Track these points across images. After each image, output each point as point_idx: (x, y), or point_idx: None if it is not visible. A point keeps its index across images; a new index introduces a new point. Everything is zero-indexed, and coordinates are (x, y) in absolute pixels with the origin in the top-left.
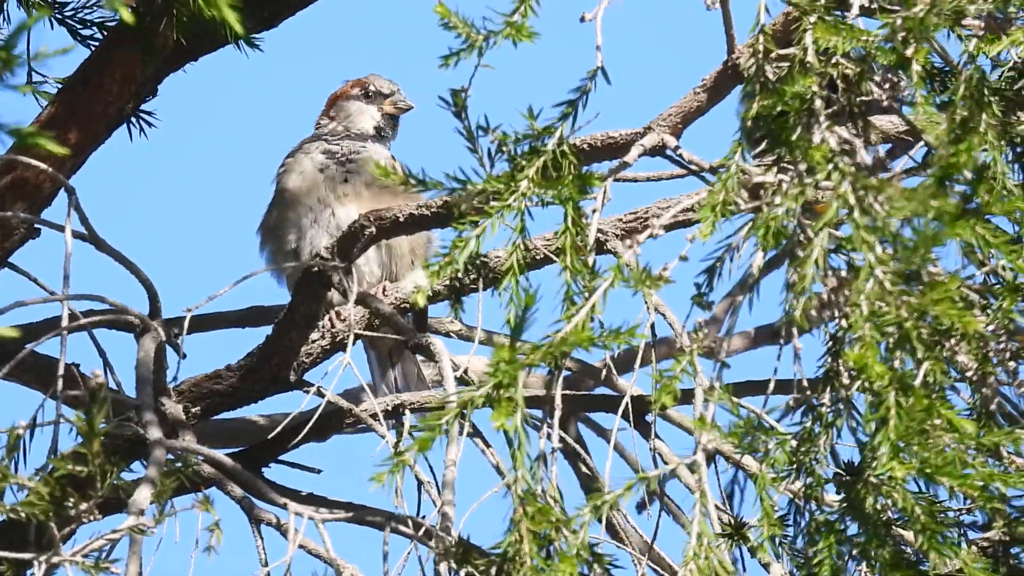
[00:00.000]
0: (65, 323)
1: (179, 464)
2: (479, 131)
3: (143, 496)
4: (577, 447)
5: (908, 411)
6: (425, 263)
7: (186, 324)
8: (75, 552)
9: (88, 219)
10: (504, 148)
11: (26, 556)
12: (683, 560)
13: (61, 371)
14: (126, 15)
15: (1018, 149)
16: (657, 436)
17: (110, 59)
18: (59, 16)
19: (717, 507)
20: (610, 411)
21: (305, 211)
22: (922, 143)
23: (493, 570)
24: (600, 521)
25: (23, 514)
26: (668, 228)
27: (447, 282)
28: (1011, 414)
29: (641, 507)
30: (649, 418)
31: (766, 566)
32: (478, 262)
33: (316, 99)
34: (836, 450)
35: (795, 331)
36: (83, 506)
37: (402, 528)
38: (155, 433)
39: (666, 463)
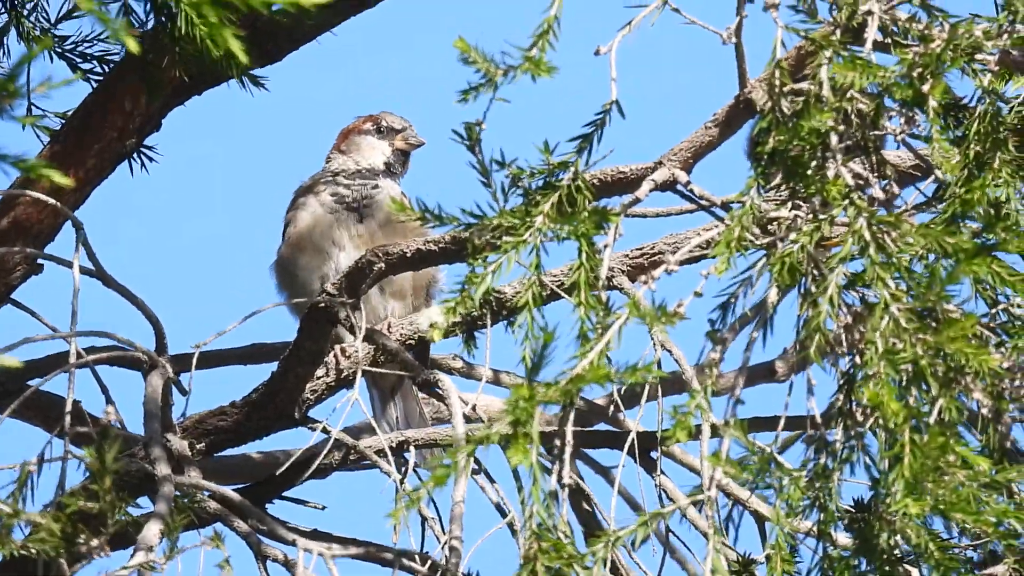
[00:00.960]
0: (73, 360)
1: (186, 500)
2: (493, 165)
3: (152, 532)
4: (581, 483)
5: (923, 448)
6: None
7: (194, 361)
8: None
9: (95, 254)
10: (519, 183)
11: None
12: None
13: (69, 408)
14: (132, 45)
15: None
16: (662, 472)
17: (114, 94)
18: (59, 50)
19: (726, 544)
20: (613, 447)
21: (318, 254)
22: (931, 178)
23: None
24: (605, 565)
25: (34, 550)
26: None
27: (458, 319)
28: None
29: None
30: (654, 455)
31: None
32: (491, 298)
33: (321, 131)
34: (841, 488)
35: (808, 368)
36: (94, 542)
37: (412, 565)
38: (164, 469)
39: (671, 499)
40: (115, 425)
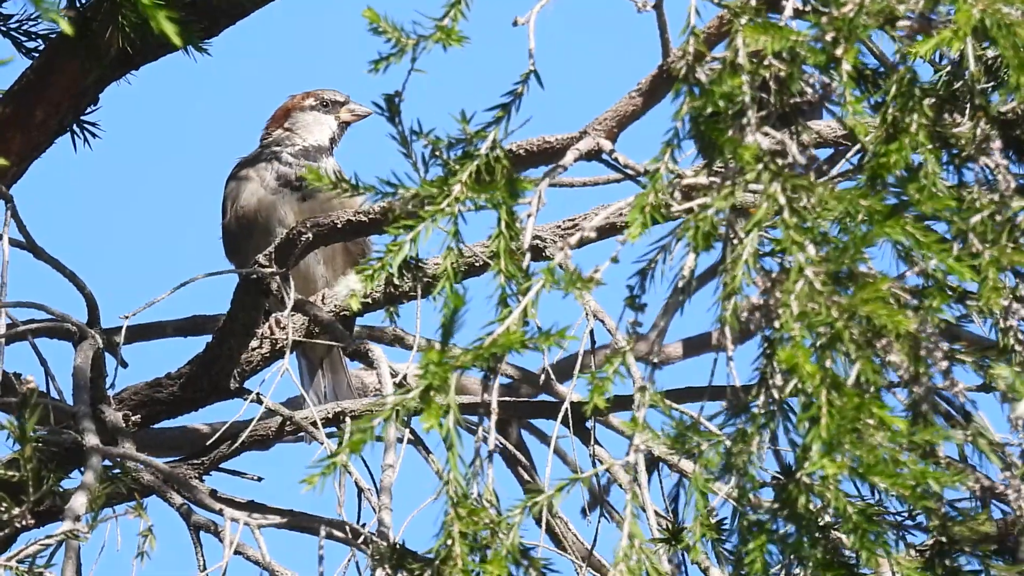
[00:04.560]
0: (2, 331)
1: (117, 471)
2: (413, 135)
3: (79, 502)
4: (517, 452)
5: (840, 410)
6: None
7: (123, 331)
8: (9, 557)
9: (26, 227)
10: (437, 152)
11: None
12: (614, 561)
13: None
14: (65, 26)
15: (953, 151)
16: (597, 442)
17: (52, 67)
18: (3, 28)
19: (658, 513)
20: (551, 417)
21: (265, 234)
22: (859, 146)
23: (428, 573)
24: (539, 523)
25: None
26: (603, 233)
27: (381, 288)
28: (947, 413)
29: (584, 513)
30: (589, 424)
31: (705, 571)
32: (414, 267)
33: (252, 106)
34: (779, 453)
35: (727, 333)
36: (15, 511)
37: (337, 533)
38: (92, 440)
39: (607, 470)
40: (49, 394)
